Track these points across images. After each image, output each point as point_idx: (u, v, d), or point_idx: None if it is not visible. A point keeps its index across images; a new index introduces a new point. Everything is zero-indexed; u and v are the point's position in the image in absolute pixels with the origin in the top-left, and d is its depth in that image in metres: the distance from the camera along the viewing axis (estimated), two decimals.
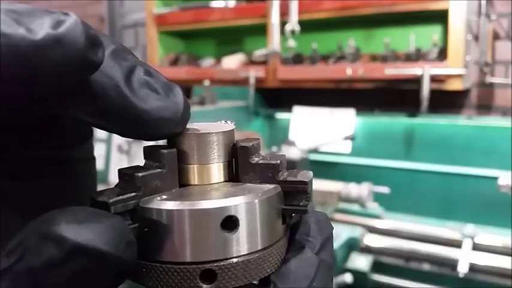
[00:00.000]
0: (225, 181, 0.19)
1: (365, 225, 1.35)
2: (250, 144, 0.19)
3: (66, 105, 0.17)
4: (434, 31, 1.61)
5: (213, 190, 0.18)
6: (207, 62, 2.10)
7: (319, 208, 1.39)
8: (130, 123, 0.17)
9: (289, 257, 0.18)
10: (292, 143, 1.50)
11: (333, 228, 0.20)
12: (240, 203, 0.17)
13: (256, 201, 0.17)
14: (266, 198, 0.18)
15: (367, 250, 1.28)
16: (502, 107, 1.60)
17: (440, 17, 1.52)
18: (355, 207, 1.41)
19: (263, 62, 1.82)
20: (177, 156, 0.18)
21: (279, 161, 0.19)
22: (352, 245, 1.27)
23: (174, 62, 2.16)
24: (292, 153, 1.46)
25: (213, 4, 1.95)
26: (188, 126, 0.19)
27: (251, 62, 1.92)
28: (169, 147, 0.18)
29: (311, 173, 0.19)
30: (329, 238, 0.20)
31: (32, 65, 0.14)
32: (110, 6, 2.60)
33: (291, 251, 0.19)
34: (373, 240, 1.30)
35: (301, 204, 0.18)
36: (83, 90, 0.16)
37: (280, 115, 1.90)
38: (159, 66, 2.16)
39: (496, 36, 1.58)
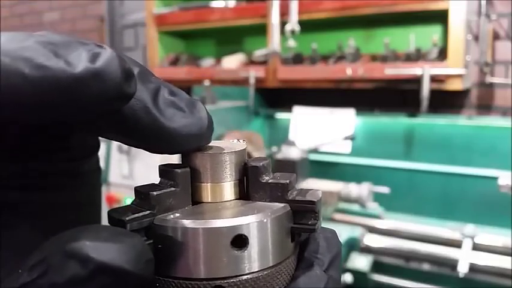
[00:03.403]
0: (236, 199, 0.20)
1: (365, 225, 1.35)
2: (261, 164, 0.20)
3: (97, 129, 0.18)
4: (434, 31, 1.61)
5: (224, 208, 0.19)
6: (207, 62, 2.10)
7: None
8: (160, 141, 0.18)
9: (298, 274, 0.19)
10: (292, 143, 1.51)
11: (341, 245, 0.21)
12: (249, 222, 0.17)
13: (266, 220, 0.18)
14: (275, 217, 0.18)
15: (367, 250, 1.28)
16: (502, 107, 1.60)
17: (440, 17, 1.52)
18: (355, 207, 1.41)
19: (263, 62, 1.82)
20: (190, 175, 0.19)
21: (288, 181, 0.19)
22: (352, 245, 1.27)
23: (174, 62, 2.16)
24: (292, 153, 1.47)
25: (213, 4, 1.95)
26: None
27: (251, 62, 1.92)
28: (183, 167, 0.19)
29: (320, 192, 0.20)
30: (337, 255, 0.20)
31: (71, 97, 0.14)
32: (110, 6, 2.60)
33: (300, 268, 0.19)
34: (373, 240, 1.30)
35: (309, 223, 0.19)
36: (115, 115, 0.17)
37: (280, 115, 1.90)
38: (159, 66, 2.16)
39: (496, 36, 1.58)
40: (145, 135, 0.17)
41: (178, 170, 0.18)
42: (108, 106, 0.16)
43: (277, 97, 1.98)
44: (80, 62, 0.14)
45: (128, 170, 1.42)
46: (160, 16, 2.11)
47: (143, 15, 2.29)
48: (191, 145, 0.18)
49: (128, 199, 1.33)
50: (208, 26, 1.98)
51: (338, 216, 1.41)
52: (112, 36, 2.64)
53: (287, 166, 1.45)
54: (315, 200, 0.19)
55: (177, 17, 2.07)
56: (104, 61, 0.15)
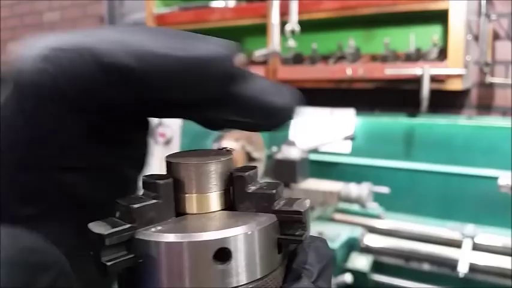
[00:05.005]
0: (221, 209, 0.19)
1: (365, 225, 1.35)
2: (246, 173, 0.19)
3: (217, 109, 0.19)
4: (434, 31, 1.60)
5: (208, 220, 0.18)
6: None
7: (319, 208, 1.39)
8: (267, 116, 0.19)
9: (286, 287, 0.18)
10: (292, 143, 1.50)
11: (331, 254, 0.21)
12: (232, 235, 0.17)
13: (250, 232, 0.17)
14: (260, 229, 0.18)
15: (367, 250, 1.28)
16: (502, 107, 1.60)
17: (440, 17, 1.52)
18: (355, 207, 1.41)
19: (263, 62, 1.82)
20: (173, 186, 0.18)
21: (274, 191, 0.19)
22: (352, 245, 1.27)
23: None
24: (292, 153, 1.46)
25: (213, 4, 1.95)
26: (185, 154, 0.20)
27: (251, 62, 1.92)
28: (166, 178, 0.18)
29: (308, 201, 0.19)
30: (327, 265, 0.20)
31: (211, 72, 0.17)
32: (110, 6, 2.60)
33: (288, 280, 0.19)
34: (373, 240, 1.30)
35: (297, 233, 0.18)
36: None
37: None
38: None
39: (496, 36, 1.58)
40: (256, 112, 0.19)
41: (161, 181, 0.18)
42: (229, 84, 0.18)
43: None
44: (208, 47, 0.18)
45: None
46: (160, 16, 2.11)
47: (143, 15, 2.28)
48: (290, 117, 0.20)
49: None
50: (208, 26, 1.98)
51: (338, 216, 1.41)
52: None
53: (287, 166, 1.45)
54: (302, 210, 0.18)
55: (177, 17, 2.07)
56: (223, 47, 0.18)
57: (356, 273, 1.20)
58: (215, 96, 0.18)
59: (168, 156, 0.19)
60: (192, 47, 0.17)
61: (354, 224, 1.35)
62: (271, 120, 0.20)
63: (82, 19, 2.82)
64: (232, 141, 1.44)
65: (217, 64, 0.18)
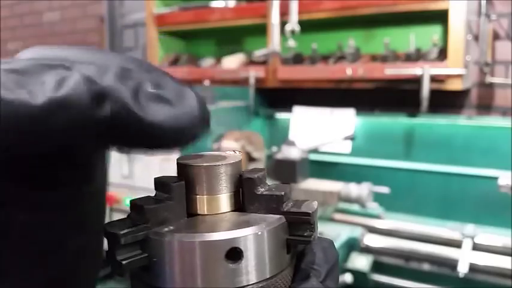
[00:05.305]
0: (232, 211, 0.20)
1: (365, 225, 1.35)
2: (256, 175, 0.20)
3: (83, 145, 0.16)
4: (434, 31, 1.60)
5: (219, 221, 0.19)
6: (207, 62, 2.10)
7: (319, 208, 1.38)
8: (146, 139, 0.16)
9: (295, 286, 0.19)
10: (292, 143, 1.50)
11: (338, 255, 0.21)
12: (243, 235, 0.17)
13: (260, 233, 0.18)
14: (270, 229, 0.18)
15: (367, 250, 1.28)
16: (502, 107, 1.60)
17: (440, 17, 1.52)
18: (355, 207, 1.41)
19: (263, 62, 1.82)
20: (185, 187, 0.19)
21: (283, 193, 0.19)
22: (352, 245, 1.27)
23: (174, 62, 2.16)
24: (292, 153, 1.46)
25: (213, 4, 1.95)
26: (196, 156, 0.20)
27: (251, 62, 1.92)
28: (178, 180, 0.19)
29: (315, 203, 0.20)
30: (335, 265, 0.20)
31: (36, 128, 0.14)
32: (110, 6, 2.60)
33: (296, 280, 0.19)
34: (373, 240, 1.30)
35: (305, 234, 0.19)
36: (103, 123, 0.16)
37: (280, 115, 1.90)
38: (159, 67, 2.16)
39: (496, 36, 1.58)
40: (132, 136, 0.16)
41: (174, 183, 0.19)
42: (81, 133, 0.15)
43: (277, 97, 1.98)
44: (43, 91, 0.14)
45: (127, 170, 1.42)
46: (160, 16, 2.11)
47: (143, 15, 2.28)
48: (183, 138, 0.17)
49: (128, 199, 1.33)
50: (208, 26, 1.98)
51: (338, 216, 1.41)
52: (112, 36, 2.64)
53: (287, 166, 1.45)
54: (310, 211, 0.19)
55: (177, 17, 2.07)
56: (69, 88, 0.14)
57: (356, 273, 1.20)
58: (62, 146, 0.15)
59: (179, 159, 0.20)
60: (24, 90, 0.14)
61: (354, 224, 1.35)
62: (154, 144, 0.17)
63: (82, 19, 2.82)
64: (232, 141, 1.44)
65: (59, 112, 0.14)
